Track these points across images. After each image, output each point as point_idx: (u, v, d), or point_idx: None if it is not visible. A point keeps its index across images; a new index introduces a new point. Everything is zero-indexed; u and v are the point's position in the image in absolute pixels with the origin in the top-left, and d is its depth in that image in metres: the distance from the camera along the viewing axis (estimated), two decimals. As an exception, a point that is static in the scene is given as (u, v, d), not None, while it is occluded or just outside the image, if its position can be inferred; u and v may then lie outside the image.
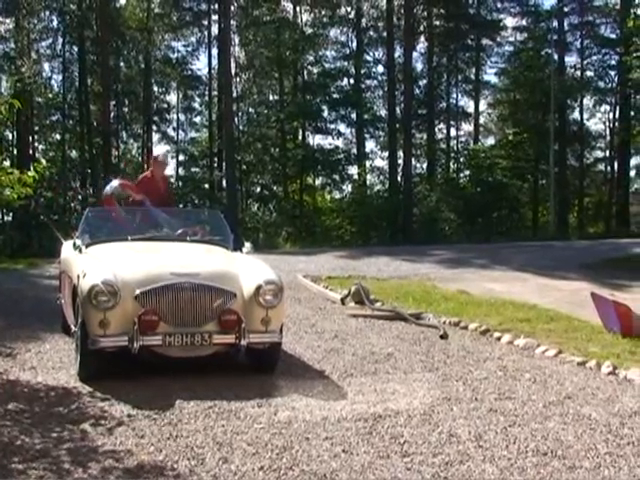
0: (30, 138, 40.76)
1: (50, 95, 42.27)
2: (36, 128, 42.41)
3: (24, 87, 34.61)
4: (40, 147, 44.36)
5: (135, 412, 6.18)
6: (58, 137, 43.99)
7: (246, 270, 7.77)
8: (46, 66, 43.90)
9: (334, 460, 5.14)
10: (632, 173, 48.21)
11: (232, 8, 41.19)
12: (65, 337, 9.20)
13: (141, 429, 5.77)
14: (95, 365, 7.23)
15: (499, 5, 46.57)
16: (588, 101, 47.88)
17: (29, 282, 16.22)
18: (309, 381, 7.21)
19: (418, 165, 47.41)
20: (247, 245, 9.22)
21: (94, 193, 38.21)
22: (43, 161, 8.54)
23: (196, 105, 50.28)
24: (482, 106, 49.91)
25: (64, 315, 9.06)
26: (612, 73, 45.44)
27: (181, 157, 49.40)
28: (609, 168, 48.59)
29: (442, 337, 9.52)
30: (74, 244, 8.76)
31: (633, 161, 48.02)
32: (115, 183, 11.51)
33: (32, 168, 7.87)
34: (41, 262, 19.69)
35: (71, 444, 5.43)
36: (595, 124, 52.28)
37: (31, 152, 39.95)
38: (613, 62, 44.45)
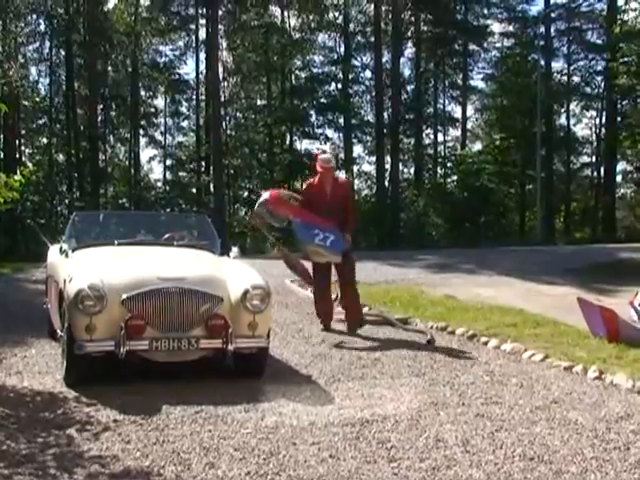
0: (17, 142, 40.63)
1: (37, 99, 42.19)
2: (23, 132, 42.31)
3: (11, 90, 34.51)
4: (27, 151, 44.31)
5: (121, 417, 6.16)
6: (45, 141, 43.93)
7: (233, 275, 7.76)
8: (33, 70, 43.97)
9: (321, 465, 5.13)
10: (618, 178, 48.44)
11: (220, 12, 41.20)
12: (51, 342, 9.16)
13: (127, 434, 5.74)
14: (81, 370, 7.19)
15: (486, 11, 46.81)
16: (575, 107, 48.24)
17: (15, 286, 16.16)
18: (296, 386, 7.20)
19: (405, 170, 47.67)
20: (234, 250, 9.20)
21: (80, 197, 38.22)
22: (30, 165, 8.53)
23: (183, 109, 50.43)
24: (469, 111, 50.18)
25: (50, 320, 9.01)
26: (599, 79, 45.77)
27: (168, 161, 49.40)
28: (595, 173, 48.83)
29: (429, 342, 9.53)
30: (60, 248, 8.72)
31: (619, 166, 48.25)
32: (263, 197, 10.53)
33: (18, 172, 7.83)
34: (27, 266, 19.57)
35: (57, 449, 5.41)
36: (582, 129, 52.56)
37: (18, 156, 39.83)
38: (600, 68, 44.69)
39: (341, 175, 12.00)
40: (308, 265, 10.56)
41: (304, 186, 10.96)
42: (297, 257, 10.81)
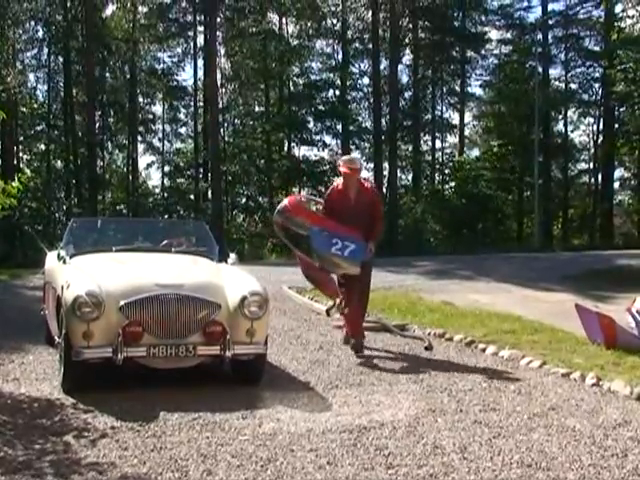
0: (14, 148, 40.62)
1: (35, 105, 42.25)
2: (21, 138, 42.34)
3: (9, 97, 34.53)
4: (25, 157, 44.31)
5: (119, 424, 6.15)
6: (43, 147, 43.93)
7: (231, 281, 7.76)
8: (31, 76, 44.02)
9: (319, 472, 5.13)
10: (616, 185, 48.46)
11: (218, 19, 41.26)
12: (49, 348, 9.15)
13: (125, 441, 5.74)
14: (79, 376, 7.19)
15: (484, 18, 46.84)
16: (572, 113, 48.22)
17: (12, 293, 16.14)
18: (294, 393, 7.19)
19: (403, 177, 47.66)
20: (232, 256, 9.20)
21: (78, 203, 38.21)
22: (27, 171, 8.54)
23: (181, 116, 50.46)
24: (467, 118, 50.21)
25: (48, 326, 9.01)
26: (596, 86, 45.74)
27: (166, 168, 49.39)
28: (593, 180, 48.83)
29: (427, 348, 9.52)
30: (58, 255, 8.72)
31: (617, 173, 48.32)
32: (281, 205, 9.79)
33: (16, 178, 7.83)
34: (25, 273, 19.59)
35: (54, 456, 5.40)
36: (579, 136, 52.44)
37: (15, 162, 39.80)
38: (597, 75, 44.73)
39: (368, 180, 11.66)
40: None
41: (328, 191, 9.97)
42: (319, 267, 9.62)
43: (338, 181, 9.68)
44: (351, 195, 9.37)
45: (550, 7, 45.47)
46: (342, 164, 9.55)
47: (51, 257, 9.49)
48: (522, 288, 15.82)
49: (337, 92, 46.19)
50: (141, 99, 48.40)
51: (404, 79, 47.14)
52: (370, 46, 43.51)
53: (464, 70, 47.14)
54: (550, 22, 44.24)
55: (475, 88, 70.70)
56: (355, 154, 48.23)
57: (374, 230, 9.43)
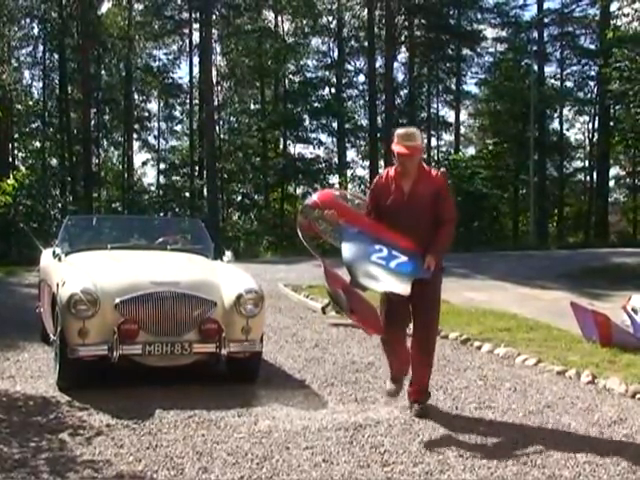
0: (10, 145, 40.56)
1: (30, 102, 42.12)
2: (16, 136, 42.22)
3: (4, 94, 34.46)
4: (20, 155, 44.21)
5: (114, 422, 6.14)
6: (38, 145, 43.85)
7: (227, 279, 7.75)
8: (26, 73, 43.95)
9: (314, 470, 5.13)
10: (611, 183, 48.49)
11: (214, 17, 41.23)
12: (44, 346, 9.13)
13: (120, 439, 5.73)
14: (74, 374, 7.18)
15: (479, 16, 46.80)
16: (568, 112, 48.25)
17: (8, 290, 16.11)
18: (289, 390, 7.19)
19: (399, 175, 47.51)
20: (228, 254, 9.19)
21: (74, 201, 38.15)
22: (23, 169, 8.50)
23: (177, 113, 50.40)
24: (463, 116, 50.17)
25: (43, 324, 8.99)
26: (591, 84, 45.79)
27: (162, 165, 49.33)
28: (588, 178, 48.90)
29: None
30: (53, 252, 8.72)
31: (612, 171, 48.34)
32: (309, 201, 7.23)
33: (12, 176, 7.82)
34: (20, 270, 19.54)
35: (49, 454, 5.39)
36: (575, 134, 52.50)
37: (11, 160, 39.76)
38: (592, 73, 44.75)
39: (433, 168, 7.20)
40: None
41: (375, 181, 6.88)
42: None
43: (389, 168, 6.78)
44: (405, 186, 6.46)
45: (546, 5, 45.80)
46: (395, 141, 6.49)
47: (46, 255, 9.48)
48: (518, 286, 15.84)
49: (333, 90, 46.21)
50: (136, 96, 48.34)
51: (400, 77, 47.19)
52: (366, 44, 43.50)
53: (460, 68, 47.14)
54: (546, 20, 44.26)
55: (471, 86, 70.64)
56: (351, 152, 48.25)
57: (439, 237, 6.39)
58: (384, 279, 6.18)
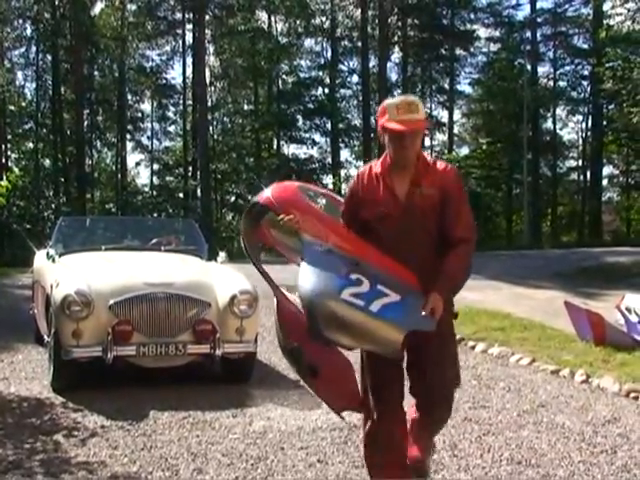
0: (3, 147, 40.49)
1: (23, 103, 42.12)
2: (9, 137, 42.15)
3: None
4: (13, 156, 44.15)
5: (109, 423, 6.14)
6: (31, 146, 43.81)
7: (221, 280, 7.75)
8: (19, 74, 43.92)
9: (309, 470, 5.13)
10: (604, 182, 48.61)
11: (207, 17, 41.20)
12: (38, 347, 9.12)
13: (115, 440, 5.73)
14: (68, 376, 7.18)
15: (472, 16, 46.87)
16: (561, 111, 48.37)
17: (1, 292, 16.04)
18: (284, 391, 7.19)
19: (393, 174, 47.56)
20: (222, 255, 9.18)
21: (67, 202, 38.09)
22: (16, 170, 8.48)
23: (170, 114, 50.34)
24: (456, 116, 50.30)
25: (37, 325, 8.98)
26: (585, 83, 45.85)
27: (155, 166, 49.30)
28: (582, 177, 48.97)
29: None
30: (47, 254, 8.71)
31: (605, 170, 48.45)
32: (260, 197, 4.52)
33: (5, 177, 7.81)
34: (13, 272, 19.50)
35: (44, 455, 5.39)
36: (568, 134, 52.74)
37: (4, 161, 39.68)
38: (585, 72, 44.84)
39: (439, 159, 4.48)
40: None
41: (352, 181, 4.58)
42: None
43: (372, 163, 4.47)
44: (398, 187, 4.22)
45: (539, 5, 45.94)
46: (386, 116, 4.16)
47: (40, 256, 9.46)
48: (511, 285, 15.84)
49: (326, 90, 46.27)
50: (130, 97, 48.30)
51: (393, 77, 47.29)
52: (359, 44, 43.57)
53: (453, 68, 47.23)
54: (539, 20, 44.37)
55: (464, 86, 70.96)
56: (344, 152, 48.22)
57: (449, 264, 4.13)
58: (364, 330, 3.91)
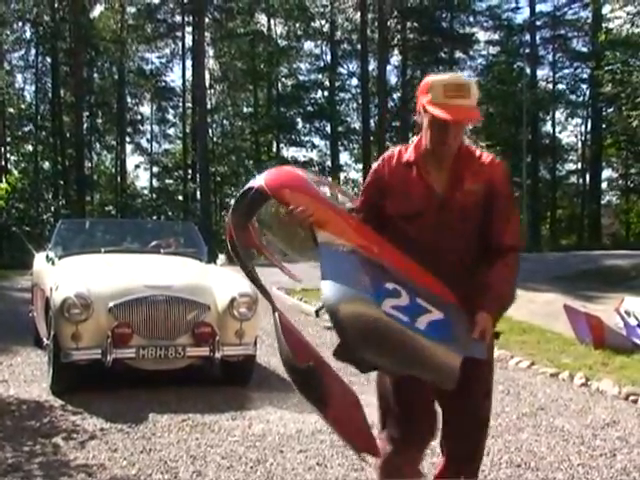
0: (2, 149, 40.49)
1: (23, 106, 42.10)
2: (8, 139, 42.14)
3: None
4: (12, 158, 44.10)
5: (108, 426, 6.14)
6: (31, 148, 43.78)
7: (220, 282, 7.75)
8: (19, 77, 43.96)
9: (308, 473, 5.12)
10: (604, 185, 48.62)
11: (206, 20, 41.22)
12: (37, 350, 9.12)
13: (114, 443, 5.72)
14: (68, 378, 7.17)
15: (472, 19, 46.89)
16: (560, 114, 48.31)
17: (0, 295, 16.07)
18: (283, 394, 7.17)
19: (392, 177, 47.57)
20: (221, 257, 9.21)
21: (66, 205, 38.09)
22: (15, 173, 8.50)
23: (170, 117, 50.35)
24: (455, 119, 50.15)
25: (36, 328, 8.98)
26: (584, 86, 45.86)
27: (155, 169, 49.29)
28: (581, 181, 48.98)
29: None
30: (47, 256, 8.71)
31: (605, 174, 48.45)
32: (254, 182, 3.54)
33: (4, 180, 7.81)
34: (12, 274, 19.50)
35: (43, 458, 5.38)
36: (567, 137, 52.73)
37: (3, 163, 39.68)
38: (585, 75, 44.83)
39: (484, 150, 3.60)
40: None
41: (376, 164, 3.70)
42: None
43: (401, 147, 3.80)
44: (436, 181, 3.52)
45: (538, 8, 45.70)
46: (429, 97, 3.42)
47: (39, 258, 9.47)
48: (511, 288, 15.81)
49: (326, 93, 46.29)
50: (129, 100, 48.31)
51: (393, 80, 47.27)
52: (359, 47, 43.54)
53: (452, 71, 47.18)
54: (538, 23, 44.36)
55: (463, 89, 70.65)
56: (344, 155, 48.19)
57: (495, 277, 3.47)
58: (412, 352, 3.16)
